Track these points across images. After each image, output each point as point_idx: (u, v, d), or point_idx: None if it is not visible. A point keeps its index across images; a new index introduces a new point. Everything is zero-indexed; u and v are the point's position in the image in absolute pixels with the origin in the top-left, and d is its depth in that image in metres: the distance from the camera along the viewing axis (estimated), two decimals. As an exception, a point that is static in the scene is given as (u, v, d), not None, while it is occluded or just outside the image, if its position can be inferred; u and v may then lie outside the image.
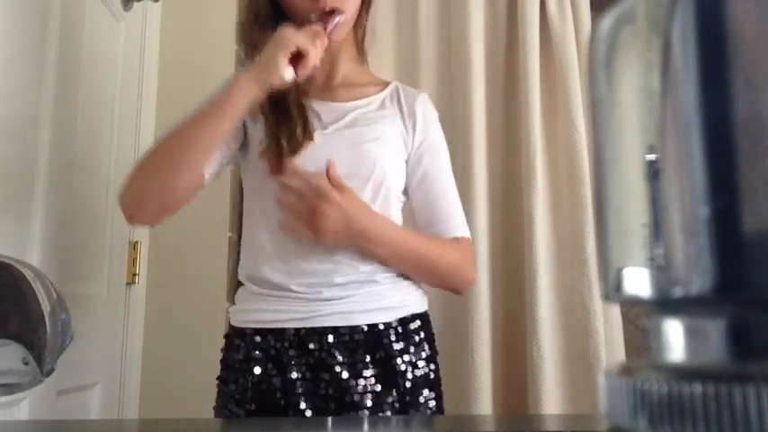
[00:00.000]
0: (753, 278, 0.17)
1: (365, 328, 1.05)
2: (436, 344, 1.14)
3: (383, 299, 1.07)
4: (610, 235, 0.22)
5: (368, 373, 1.04)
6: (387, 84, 1.21)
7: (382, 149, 1.10)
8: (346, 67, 1.19)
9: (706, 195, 0.18)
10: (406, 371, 1.05)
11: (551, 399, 1.58)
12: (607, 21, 0.22)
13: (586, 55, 0.24)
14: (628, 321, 1.72)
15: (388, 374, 1.04)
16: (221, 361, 1.14)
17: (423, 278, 1.14)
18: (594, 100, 0.23)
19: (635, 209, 0.20)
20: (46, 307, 0.77)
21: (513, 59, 1.80)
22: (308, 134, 1.07)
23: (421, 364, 1.08)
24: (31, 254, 1.15)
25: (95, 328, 1.43)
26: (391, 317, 1.07)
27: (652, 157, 0.20)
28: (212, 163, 1.06)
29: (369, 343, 1.05)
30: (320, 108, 1.14)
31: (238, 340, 1.09)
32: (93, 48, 1.42)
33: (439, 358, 1.13)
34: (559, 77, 1.74)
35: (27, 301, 0.77)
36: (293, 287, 1.05)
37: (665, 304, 0.20)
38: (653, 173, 0.20)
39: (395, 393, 1.03)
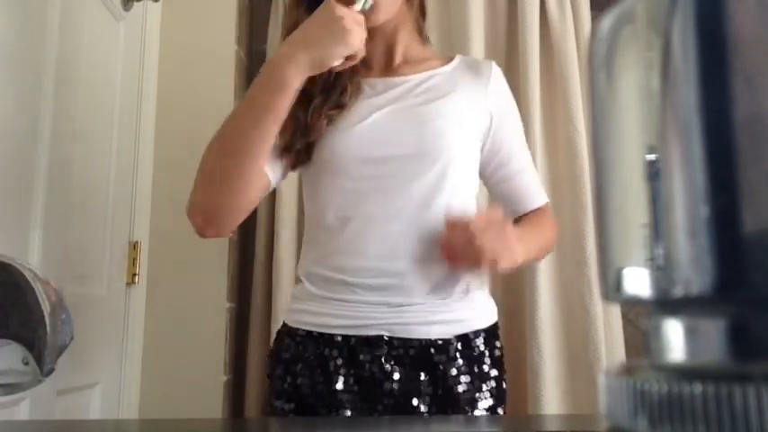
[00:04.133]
0: (753, 278, 0.17)
1: (422, 343, 0.96)
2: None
3: (446, 311, 0.98)
4: (610, 235, 0.22)
5: (422, 390, 0.95)
6: (451, 58, 1.11)
7: (451, 127, 1.00)
8: (406, 44, 1.09)
9: (706, 195, 0.18)
10: (463, 393, 0.96)
11: (551, 399, 1.58)
12: (607, 21, 0.22)
13: (586, 55, 0.24)
14: (628, 321, 1.72)
15: (445, 395, 0.95)
16: (269, 356, 1.08)
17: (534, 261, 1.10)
18: (594, 100, 0.23)
19: (635, 209, 0.20)
20: (46, 307, 0.77)
21: (513, 59, 1.79)
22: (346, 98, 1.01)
23: (483, 387, 0.97)
24: (31, 254, 1.15)
25: (95, 328, 1.43)
26: (451, 332, 0.97)
27: (652, 157, 0.20)
28: (276, 167, 1.01)
29: (424, 359, 0.95)
30: (380, 84, 1.05)
31: (289, 340, 1.02)
32: (93, 48, 1.42)
33: (506, 377, 1.03)
34: (559, 77, 1.74)
35: (27, 301, 0.77)
36: (352, 287, 0.97)
37: (665, 304, 0.20)
38: (653, 173, 0.20)
39: (449, 413, 0.95)
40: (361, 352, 0.96)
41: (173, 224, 1.66)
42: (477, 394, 0.97)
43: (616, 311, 1.67)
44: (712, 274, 0.18)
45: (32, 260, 1.13)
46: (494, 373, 0.99)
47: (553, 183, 1.73)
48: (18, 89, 1.15)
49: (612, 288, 0.22)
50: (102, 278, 1.48)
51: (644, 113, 0.20)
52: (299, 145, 1.00)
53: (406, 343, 0.96)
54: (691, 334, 0.20)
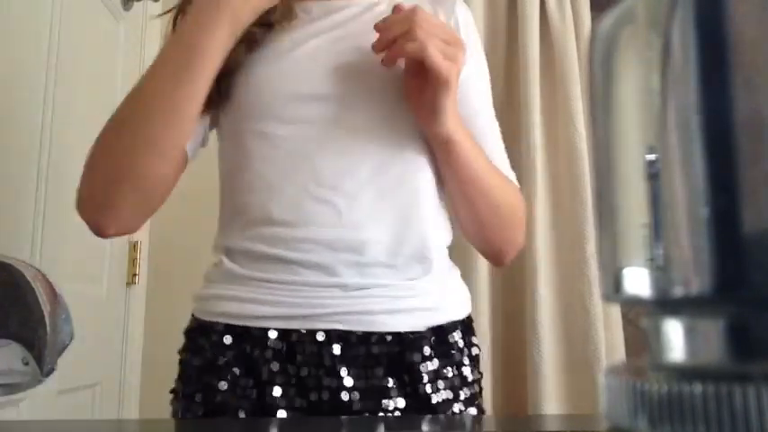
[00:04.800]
0: (753, 278, 0.17)
1: (387, 338, 0.74)
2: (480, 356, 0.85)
3: (417, 296, 0.77)
4: (610, 235, 0.22)
5: (390, 403, 0.73)
6: None
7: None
8: None
9: (706, 195, 0.18)
10: (439, 405, 0.75)
11: (551, 399, 1.58)
12: (607, 21, 0.22)
13: (586, 55, 0.24)
14: (628, 321, 1.72)
15: (416, 406, 0.74)
16: (180, 364, 0.85)
17: (477, 211, 0.84)
18: (594, 100, 0.23)
19: (635, 209, 0.20)
20: (46, 307, 0.77)
21: (513, 59, 1.79)
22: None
23: (461, 394, 0.78)
24: (31, 254, 1.15)
25: (95, 328, 1.43)
26: (423, 324, 0.76)
27: (652, 156, 0.20)
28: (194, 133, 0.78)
29: (391, 359, 0.74)
30: (317, 8, 0.83)
31: (203, 340, 0.78)
32: (93, 48, 1.41)
33: (484, 383, 0.85)
34: (559, 77, 1.74)
35: (27, 301, 0.77)
36: (292, 265, 0.74)
37: (665, 304, 0.20)
38: (653, 173, 0.20)
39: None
40: (303, 352, 0.72)
41: (173, 224, 1.66)
42: (456, 405, 0.77)
43: (616, 311, 1.67)
44: (712, 274, 0.18)
45: (32, 260, 1.13)
46: (473, 376, 0.81)
47: (553, 183, 1.73)
48: (18, 89, 1.15)
49: (612, 288, 0.22)
50: (102, 278, 1.48)
51: (644, 113, 0.20)
52: None
53: (368, 338, 0.73)
54: (691, 334, 0.20)
